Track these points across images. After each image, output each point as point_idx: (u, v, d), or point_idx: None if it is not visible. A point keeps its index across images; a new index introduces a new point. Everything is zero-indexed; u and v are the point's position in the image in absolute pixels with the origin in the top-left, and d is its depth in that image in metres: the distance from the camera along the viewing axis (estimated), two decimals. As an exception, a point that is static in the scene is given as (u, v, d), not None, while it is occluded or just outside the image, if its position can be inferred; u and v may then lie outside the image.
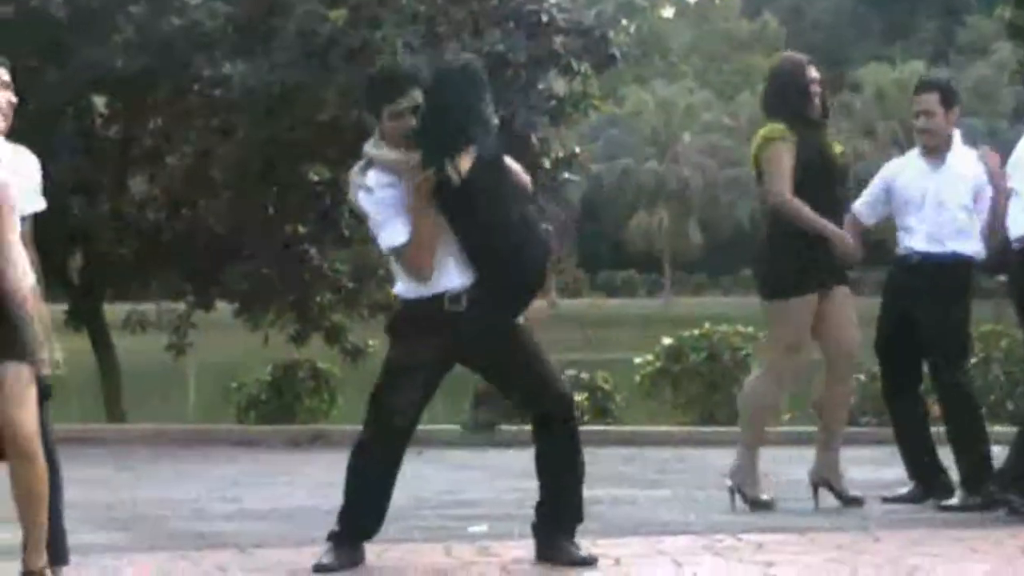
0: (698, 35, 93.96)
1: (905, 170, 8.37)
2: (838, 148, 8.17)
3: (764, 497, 7.90)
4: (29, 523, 5.45)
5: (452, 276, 6.10)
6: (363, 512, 6.19)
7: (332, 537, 6.19)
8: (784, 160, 7.84)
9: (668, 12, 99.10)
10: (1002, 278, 8.28)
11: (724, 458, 8.64)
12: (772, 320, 8.07)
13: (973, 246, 8.15)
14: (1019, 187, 7.70)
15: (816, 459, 8.11)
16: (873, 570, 6.06)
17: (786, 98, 7.96)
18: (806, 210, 7.78)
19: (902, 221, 8.32)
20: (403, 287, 6.23)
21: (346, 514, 6.20)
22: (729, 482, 8.00)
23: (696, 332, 13.82)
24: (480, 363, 6.33)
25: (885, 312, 8.32)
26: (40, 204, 5.78)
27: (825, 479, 8.06)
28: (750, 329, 13.67)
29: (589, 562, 6.12)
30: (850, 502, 8.03)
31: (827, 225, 7.81)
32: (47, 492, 5.45)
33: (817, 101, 7.98)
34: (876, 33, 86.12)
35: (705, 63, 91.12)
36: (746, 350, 13.50)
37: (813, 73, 8.02)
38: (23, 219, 5.57)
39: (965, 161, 8.22)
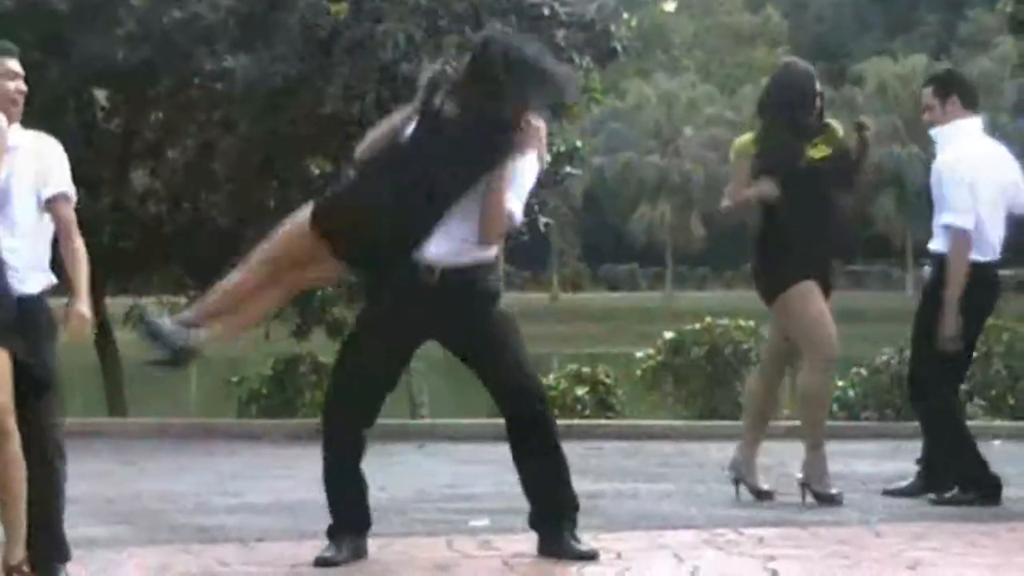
0: (700, 29, 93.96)
1: None
2: (822, 152, 7.95)
3: (832, 491, 7.84)
4: (5, 514, 5.42)
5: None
6: (343, 502, 6.19)
7: (330, 531, 6.21)
8: (740, 175, 7.90)
9: (670, 6, 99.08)
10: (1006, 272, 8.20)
11: (725, 452, 8.62)
12: (782, 320, 8.00)
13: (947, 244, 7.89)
14: None
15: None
16: (874, 564, 6.06)
17: (787, 104, 7.93)
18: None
19: None
20: None
21: (330, 506, 6.22)
22: (799, 476, 7.95)
23: (697, 326, 13.82)
24: (449, 336, 6.22)
25: None
26: (66, 185, 5.79)
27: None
28: (751, 323, 13.67)
29: (590, 556, 6.10)
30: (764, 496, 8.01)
31: None
32: (23, 483, 5.39)
33: (816, 110, 7.99)
34: (878, 27, 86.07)
35: (707, 57, 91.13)
36: (748, 344, 13.51)
37: (818, 84, 8.03)
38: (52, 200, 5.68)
39: (949, 155, 8.00)
